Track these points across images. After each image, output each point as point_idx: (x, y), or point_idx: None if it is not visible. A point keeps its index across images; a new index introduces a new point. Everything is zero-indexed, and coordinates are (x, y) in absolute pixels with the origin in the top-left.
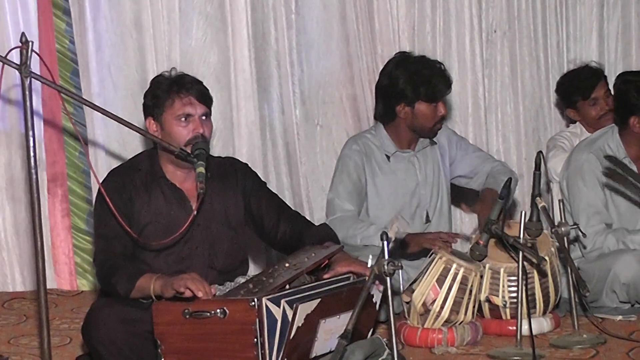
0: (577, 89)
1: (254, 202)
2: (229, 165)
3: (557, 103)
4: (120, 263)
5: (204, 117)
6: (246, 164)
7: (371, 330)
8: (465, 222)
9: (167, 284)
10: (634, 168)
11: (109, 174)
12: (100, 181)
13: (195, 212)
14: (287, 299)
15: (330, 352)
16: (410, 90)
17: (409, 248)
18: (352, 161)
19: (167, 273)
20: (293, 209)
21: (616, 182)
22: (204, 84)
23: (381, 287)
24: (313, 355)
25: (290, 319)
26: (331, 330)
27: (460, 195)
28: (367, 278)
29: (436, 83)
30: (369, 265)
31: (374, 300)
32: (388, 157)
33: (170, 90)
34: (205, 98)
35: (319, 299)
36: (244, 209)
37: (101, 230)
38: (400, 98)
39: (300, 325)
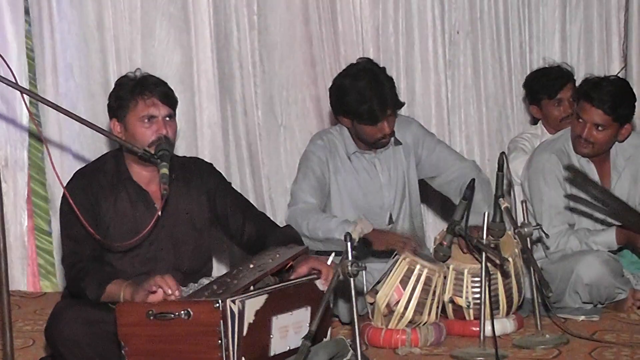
0: (544, 86)
1: (219, 202)
2: (193, 166)
3: (523, 98)
4: (90, 266)
5: (167, 118)
6: (210, 164)
7: (329, 329)
8: (430, 223)
9: (138, 289)
10: (592, 167)
11: (74, 175)
12: (66, 183)
13: (159, 213)
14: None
15: (289, 350)
16: (351, 108)
17: (373, 245)
18: (316, 157)
19: (133, 274)
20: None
21: (577, 189)
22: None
23: (326, 286)
24: (272, 353)
25: (238, 316)
26: (286, 328)
27: (426, 196)
28: (322, 275)
29: (375, 108)
30: (328, 263)
31: None
32: (349, 157)
33: (133, 92)
34: (169, 99)
35: (266, 295)
36: (209, 209)
37: (69, 232)
38: (343, 111)
39: (251, 322)
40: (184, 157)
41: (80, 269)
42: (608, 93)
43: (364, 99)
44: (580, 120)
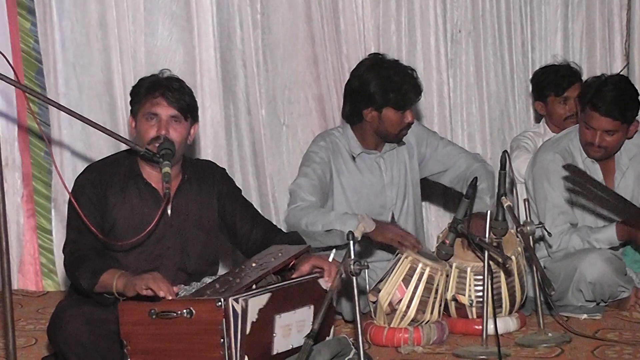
0: (552, 83)
1: (228, 208)
2: (206, 169)
3: (530, 94)
4: (88, 256)
5: (174, 120)
6: (223, 169)
7: (332, 328)
8: (432, 221)
9: (129, 283)
10: (597, 167)
11: (86, 168)
12: (74, 179)
13: (161, 212)
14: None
15: (292, 348)
16: (380, 95)
17: (373, 237)
18: (319, 157)
19: (138, 271)
20: (261, 212)
21: (576, 190)
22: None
23: (329, 284)
24: (275, 352)
25: (239, 315)
26: (289, 326)
27: (429, 194)
28: (325, 272)
29: (406, 91)
30: (330, 259)
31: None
32: (353, 158)
33: (147, 90)
34: (178, 102)
35: (269, 294)
36: (218, 213)
37: (74, 222)
38: (369, 102)
39: (254, 320)
40: (198, 159)
41: (78, 257)
42: (613, 99)
43: (392, 84)
44: (589, 128)
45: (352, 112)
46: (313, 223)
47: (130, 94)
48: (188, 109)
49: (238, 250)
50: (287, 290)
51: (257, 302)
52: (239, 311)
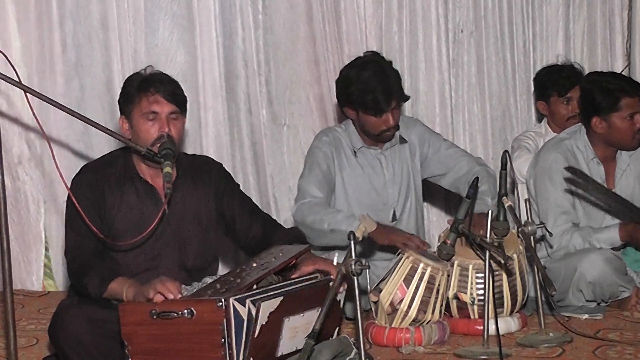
0: (555, 83)
1: (226, 203)
2: (202, 164)
3: (532, 93)
4: (93, 262)
5: (172, 117)
6: (220, 164)
7: (337, 329)
8: (434, 222)
9: (139, 292)
10: (601, 168)
11: (81, 169)
12: (74, 176)
13: (161, 213)
14: (252, 298)
15: (296, 350)
16: (356, 98)
17: (377, 239)
18: (322, 152)
19: (137, 270)
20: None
21: (578, 190)
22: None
23: (343, 287)
24: (279, 354)
25: (254, 318)
26: (296, 329)
27: (430, 194)
28: (333, 277)
29: (379, 98)
30: (334, 264)
31: (337, 298)
32: (355, 153)
33: (139, 89)
34: (174, 97)
35: (282, 297)
36: (215, 209)
37: (73, 225)
38: (348, 102)
39: (264, 323)
40: (194, 155)
41: (83, 263)
42: (622, 77)
43: (368, 88)
44: (632, 116)
45: (340, 108)
46: (320, 221)
47: (121, 95)
48: (183, 102)
49: (236, 246)
50: (300, 293)
51: (268, 306)
52: (253, 314)
